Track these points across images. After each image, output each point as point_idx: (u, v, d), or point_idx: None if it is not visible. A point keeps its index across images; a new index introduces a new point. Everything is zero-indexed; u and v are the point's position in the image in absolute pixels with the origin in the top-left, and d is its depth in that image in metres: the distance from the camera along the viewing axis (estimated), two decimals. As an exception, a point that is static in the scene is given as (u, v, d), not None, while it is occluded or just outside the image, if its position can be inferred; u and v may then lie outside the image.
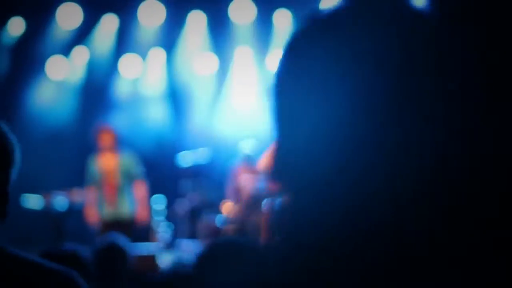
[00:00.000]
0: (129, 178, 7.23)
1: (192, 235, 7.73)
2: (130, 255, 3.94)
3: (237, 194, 7.77)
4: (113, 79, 9.21)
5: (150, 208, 7.53)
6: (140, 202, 7.25)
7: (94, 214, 7.20)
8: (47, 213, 7.37)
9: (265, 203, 7.28)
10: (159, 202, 8.11)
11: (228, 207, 7.79)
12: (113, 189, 7.19)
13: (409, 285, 0.58)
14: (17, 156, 1.48)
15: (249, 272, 0.71)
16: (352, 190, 0.61)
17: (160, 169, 8.51)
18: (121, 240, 4.02)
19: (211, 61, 9.18)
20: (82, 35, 9.05)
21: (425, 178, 0.59)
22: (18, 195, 7.01)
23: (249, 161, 7.69)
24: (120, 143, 7.38)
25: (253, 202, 7.50)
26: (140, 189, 7.27)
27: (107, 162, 7.24)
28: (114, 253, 3.86)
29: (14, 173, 1.48)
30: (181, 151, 8.18)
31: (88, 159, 7.33)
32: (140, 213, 7.25)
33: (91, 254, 3.67)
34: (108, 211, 7.14)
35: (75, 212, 7.38)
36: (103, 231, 6.99)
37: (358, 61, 0.63)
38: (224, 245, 1.50)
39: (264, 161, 7.43)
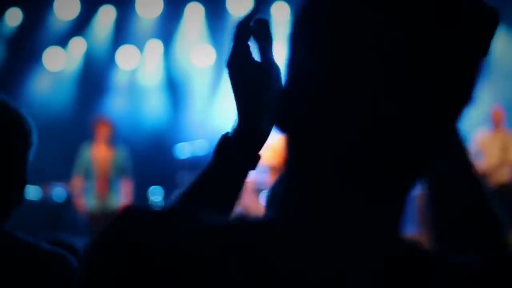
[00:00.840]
0: (119, 173, 7.29)
1: (189, 227, 7.75)
2: None
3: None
4: (111, 71, 9.21)
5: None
6: (125, 198, 7.31)
7: (82, 205, 7.22)
8: (45, 204, 7.39)
9: (264, 195, 7.31)
10: (157, 193, 8.13)
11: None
12: (104, 182, 7.23)
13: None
14: (34, 138, 1.53)
15: None
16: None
17: (157, 160, 8.53)
18: None
19: (209, 53, 9.18)
20: (79, 26, 9.04)
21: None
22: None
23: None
24: (116, 137, 7.41)
25: (254, 194, 7.53)
26: (127, 186, 7.33)
27: (101, 154, 7.26)
28: None
29: (31, 155, 1.53)
30: (178, 142, 8.20)
31: (80, 147, 7.35)
32: None
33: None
34: (97, 203, 7.17)
35: (73, 203, 7.40)
36: (91, 223, 7.04)
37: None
38: None
39: (265, 154, 7.45)
